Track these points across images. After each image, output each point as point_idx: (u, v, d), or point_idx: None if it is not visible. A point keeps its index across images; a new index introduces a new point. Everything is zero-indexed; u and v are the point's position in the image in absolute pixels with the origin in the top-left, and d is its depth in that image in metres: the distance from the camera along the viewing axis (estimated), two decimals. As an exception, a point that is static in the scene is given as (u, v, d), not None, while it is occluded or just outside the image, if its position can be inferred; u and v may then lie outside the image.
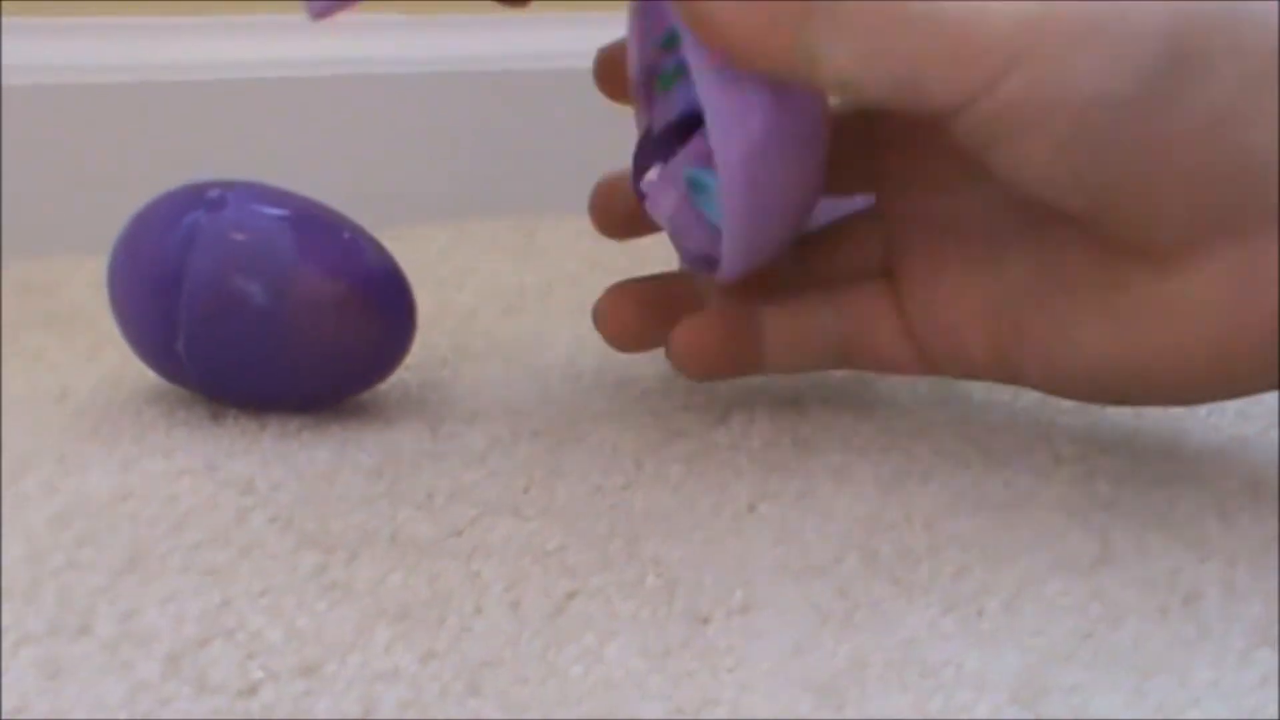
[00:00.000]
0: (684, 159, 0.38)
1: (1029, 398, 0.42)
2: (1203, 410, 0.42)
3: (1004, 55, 0.31)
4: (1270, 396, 0.41)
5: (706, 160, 0.36)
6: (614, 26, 0.41)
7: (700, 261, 0.39)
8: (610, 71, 0.41)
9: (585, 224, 0.43)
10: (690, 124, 0.38)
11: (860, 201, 0.41)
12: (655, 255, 0.44)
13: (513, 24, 0.68)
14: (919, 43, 0.31)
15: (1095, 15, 0.31)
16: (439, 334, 0.47)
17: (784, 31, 0.32)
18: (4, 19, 0.60)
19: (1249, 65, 0.32)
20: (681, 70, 0.38)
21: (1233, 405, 0.42)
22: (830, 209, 0.41)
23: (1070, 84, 0.31)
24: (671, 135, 0.38)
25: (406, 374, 0.43)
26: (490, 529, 0.34)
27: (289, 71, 0.67)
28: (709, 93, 0.34)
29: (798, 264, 0.41)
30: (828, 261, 0.41)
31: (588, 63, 0.42)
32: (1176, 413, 0.42)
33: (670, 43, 0.39)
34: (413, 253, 0.43)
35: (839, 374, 0.45)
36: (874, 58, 0.32)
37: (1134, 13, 0.31)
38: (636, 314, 0.41)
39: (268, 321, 0.39)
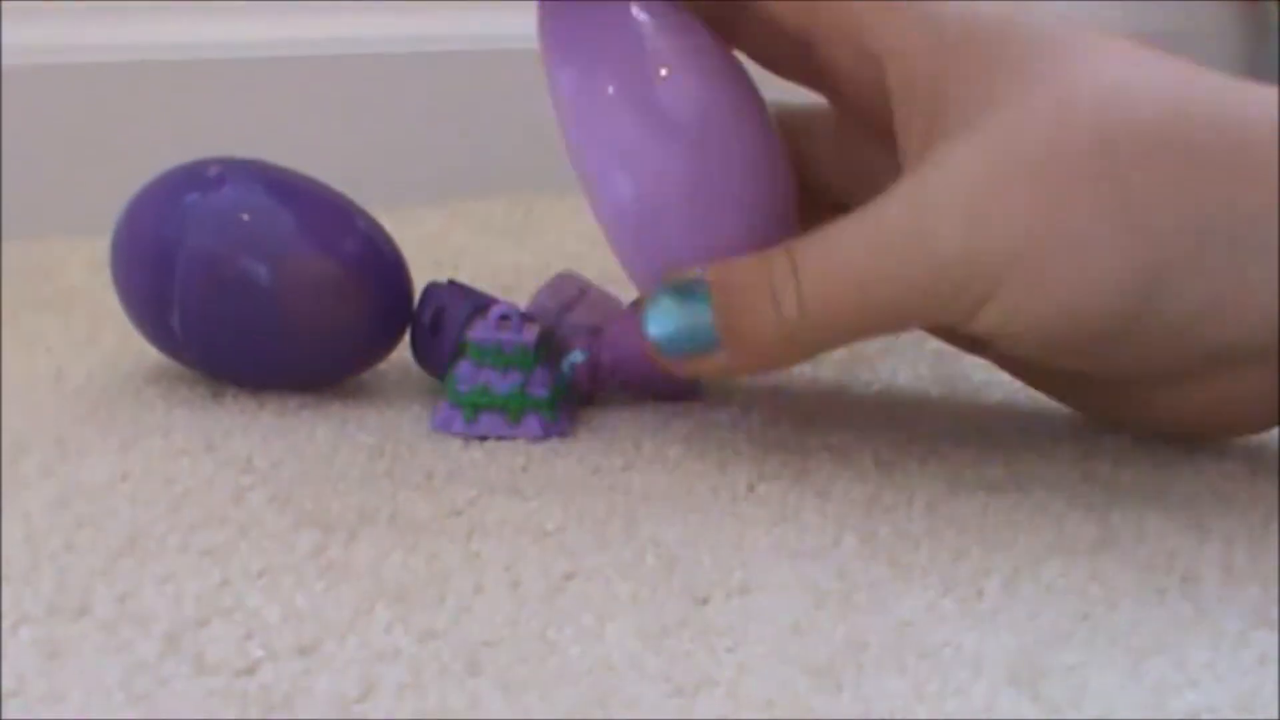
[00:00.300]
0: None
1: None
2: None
3: (975, 295, 0.33)
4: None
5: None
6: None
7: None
8: None
9: (582, 202, 0.43)
10: None
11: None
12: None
13: (509, 3, 0.68)
14: (899, 307, 0.34)
15: (1056, 262, 0.32)
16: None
17: (778, 358, 0.36)
18: (4, 1, 0.59)
19: (1220, 275, 0.32)
20: None
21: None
22: None
23: (1038, 317, 0.33)
24: None
25: (406, 354, 0.42)
26: (489, 509, 0.34)
27: (287, 51, 0.67)
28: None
29: None
30: None
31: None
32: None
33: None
34: (409, 232, 0.43)
35: (839, 356, 0.45)
36: (863, 335, 0.36)
37: (1095, 257, 0.32)
38: None
39: (263, 299, 0.39)
